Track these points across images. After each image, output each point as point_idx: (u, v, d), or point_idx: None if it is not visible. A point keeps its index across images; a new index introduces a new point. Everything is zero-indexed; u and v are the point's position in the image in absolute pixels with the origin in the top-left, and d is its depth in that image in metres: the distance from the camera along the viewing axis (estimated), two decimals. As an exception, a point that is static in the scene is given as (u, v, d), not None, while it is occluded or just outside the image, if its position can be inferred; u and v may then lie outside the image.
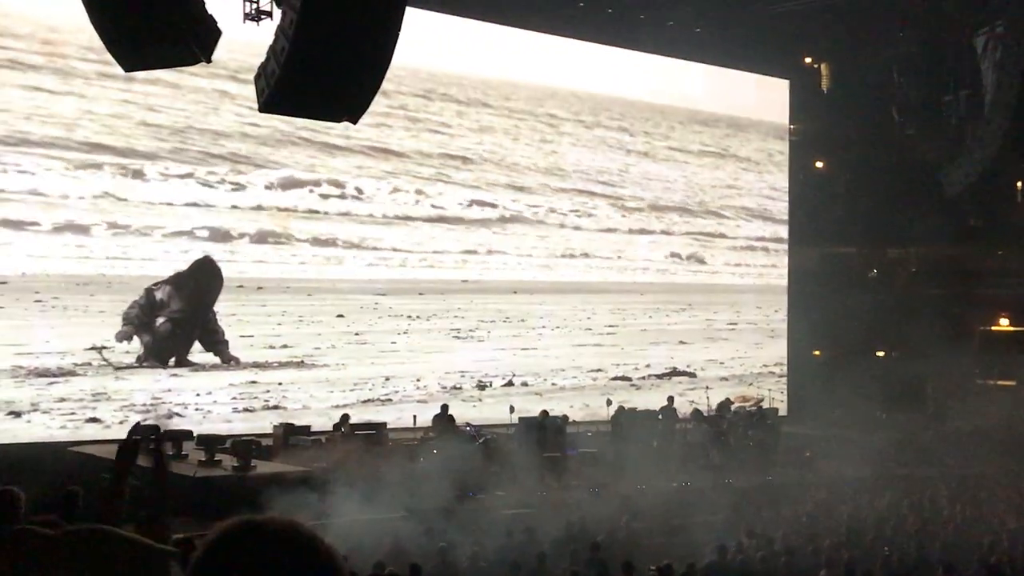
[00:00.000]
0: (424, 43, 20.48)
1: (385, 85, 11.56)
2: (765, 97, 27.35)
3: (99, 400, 17.78)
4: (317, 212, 20.50)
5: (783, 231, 27.68)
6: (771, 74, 27.11)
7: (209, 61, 11.91)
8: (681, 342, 25.22)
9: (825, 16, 24.09)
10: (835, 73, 27.80)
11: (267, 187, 19.94)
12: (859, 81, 26.78)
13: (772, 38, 24.69)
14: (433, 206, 21.96)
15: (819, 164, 29.19)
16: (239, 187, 19.60)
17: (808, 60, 27.66)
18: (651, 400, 22.08)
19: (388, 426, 18.44)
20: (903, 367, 25.87)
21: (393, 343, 21.23)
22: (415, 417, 18.53)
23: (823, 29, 24.99)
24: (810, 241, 28.22)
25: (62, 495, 7.70)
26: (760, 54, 25.32)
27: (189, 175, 19.10)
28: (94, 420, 17.67)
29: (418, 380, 21.19)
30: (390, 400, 20.65)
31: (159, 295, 18.53)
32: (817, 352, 27.59)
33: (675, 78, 25.58)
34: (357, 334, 20.83)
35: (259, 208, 19.87)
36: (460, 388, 21.66)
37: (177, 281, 18.71)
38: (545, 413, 18.92)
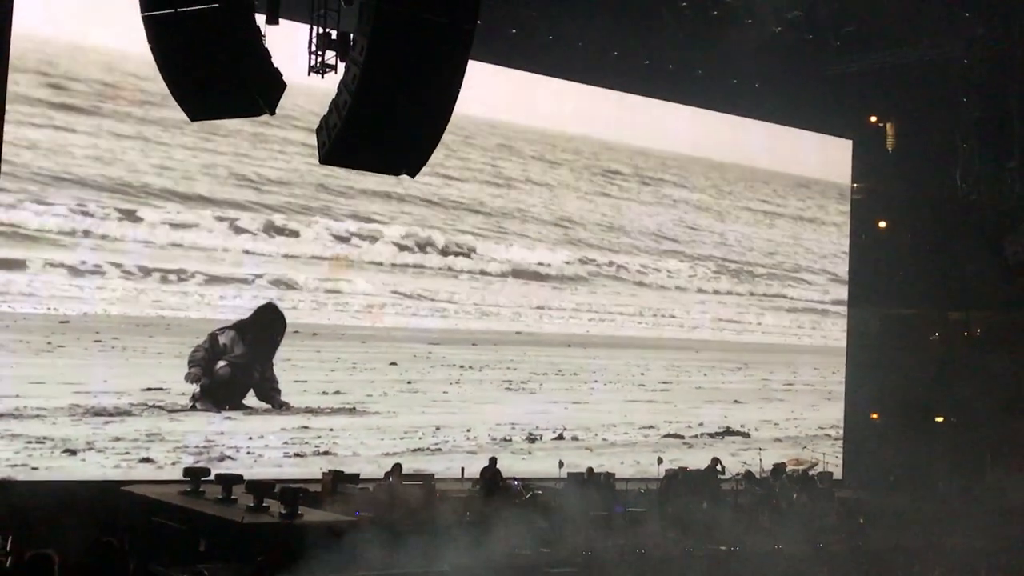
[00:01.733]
0: (485, 96, 20.70)
1: (443, 137, 11.66)
2: (827, 156, 27.21)
3: (153, 441, 17.98)
4: (374, 263, 20.65)
5: (843, 291, 27.40)
6: (834, 133, 26.97)
7: (273, 113, 12.03)
8: (736, 401, 24.97)
9: (890, 76, 23.97)
10: (900, 133, 27.58)
11: (324, 235, 20.14)
12: (923, 142, 26.53)
13: (836, 98, 24.61)
14: (489, 258, 22.02)
15: (881, 224, 28.86)
16: (296, 234, 19.82)
17: (873, 119, 27.46)
18: (703, 459, 21.83)
19: (436, 476, 18.42)
20: (962, 434, 25.39)
21: (445, 392, 21.26)
22: (463, 469, 18.49)
23: (889, 89, 24.86)
24: (870, 302, 27.86)
25: (99, 545, 7.64)
26: (823, 113, 25.23)
27: (248, 221, 19.35)
28: (147, 460, 17.86)
29: (468, 430, 21.17)
30: (440, 450, 20.65)
31: (223, 340, 18.78)
32: (875, 415, 27.16)
33: (736, 136, 25.53)
34: (409, 382, 20.90)
35: (316, 256, 20.06)
36: (510, 440, 21.60)
37: (241, 327, 18.98)
38: (591, 470, 18.79)
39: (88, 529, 14.61)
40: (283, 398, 19.39)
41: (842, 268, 27.41)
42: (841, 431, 26.50)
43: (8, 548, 11.05)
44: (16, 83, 17.32)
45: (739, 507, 19.49)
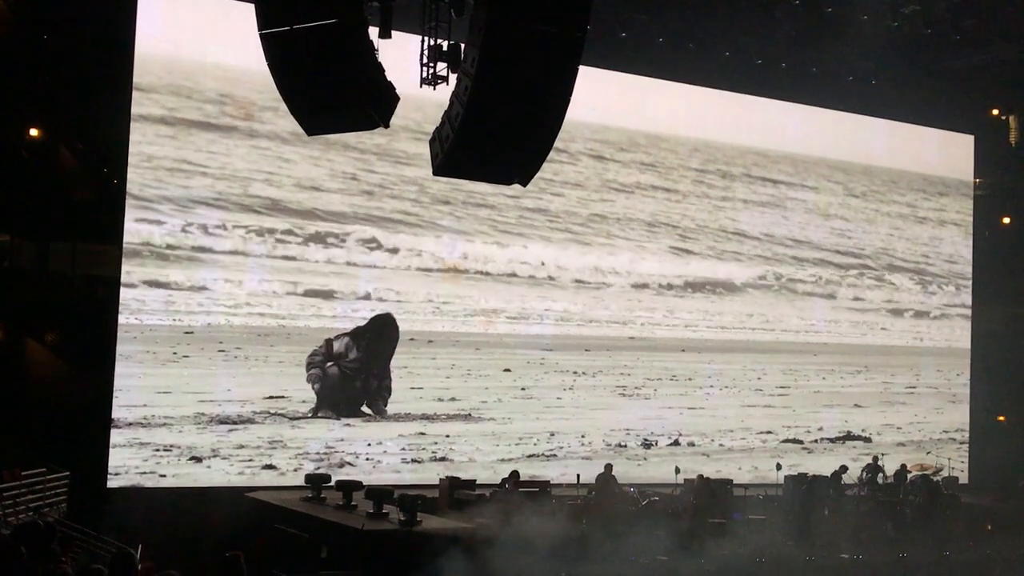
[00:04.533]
0: (596, 101, 20.72)
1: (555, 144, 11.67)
2: (949, 152, 26.50)
3: (275, 448, 18.37)
4: (485, 274, 20.76)
5: (967, 290, 26.64)
6: (955, 129, 26.26)
7: (387, 126, 12.22)
8: (856, 405, 24.46)
9: (1012, 69, 23.26)
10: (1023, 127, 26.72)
11: (438, 246, 20.34)
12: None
13: (956, 92, 23.98)
14: (598, 264, 21.96)
15: (1006, 221, 27.96)
16: (413, 247, 20.06)
17: (995, 113, 26.65)
18: (823, 465, 21.45)
19: (552, 483, 18.44)
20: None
21: (559, 399, 21.27)
22: (579, 476, 18.47)
23: (1010, 82, 24.11)
24: (995, 301, 27.02)
25: (223, 560, 7.75)
26: (943, 109, 24.62)
27: (364, 233, 19.65)
28: (270, 467, 18.25)
29: (583, 436, 21.14)
30: (555, 456, 20.67)
31: (337, 346, 19.14)
32: (1002, 418, 26.34)
33: (855, 134, 25.02)
34: (523, 388, 20.96)
35: (430, 267, 20.26)
36: (625, 446, 21.51)
37: (356, 334, 19.33)
38: (701, 477, 18.58)
39: (214, 535, 15.05)
40: (400, 405, 19.65)
41: (966, 266, 26.65)
42: (967, 435, 25.77)
43: (139, 557, 11.37)
44: (139, 103, 17.86)
45: (861, 514, 19.05)
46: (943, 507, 19.75)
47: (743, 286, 23.56)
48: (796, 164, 24.50)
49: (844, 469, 20.12)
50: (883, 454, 21.82)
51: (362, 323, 19.47)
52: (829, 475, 19.86)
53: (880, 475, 20.34)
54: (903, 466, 21.55)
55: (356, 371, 19.29)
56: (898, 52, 22.08)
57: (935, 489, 20.27)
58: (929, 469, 22.71)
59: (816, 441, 23.56)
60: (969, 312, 26.59)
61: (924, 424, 25.20)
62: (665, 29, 21.43)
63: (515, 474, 17.98)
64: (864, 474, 20.32)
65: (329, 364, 19.03)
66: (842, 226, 25.01)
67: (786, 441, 23.19)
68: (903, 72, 23.15)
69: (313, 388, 18.88)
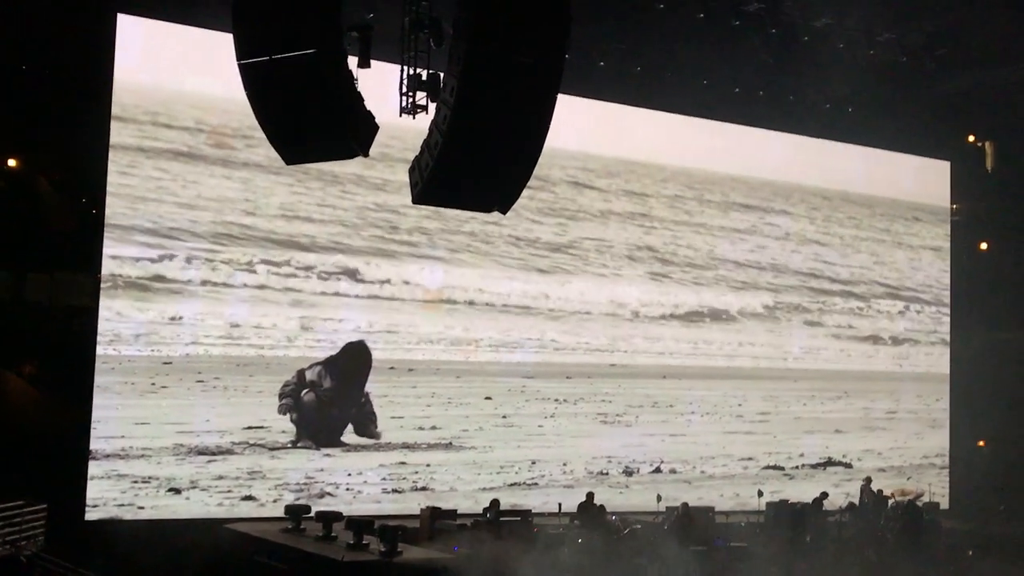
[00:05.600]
0: (575, 129, 20.79)
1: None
2: (925, 179, 26.69)
3: (254, 478, 18.25)
4: (466, 303, 20.74)
5: (945, 316, 26.77)
6: (931, 155, 26.47)
7: (367, 155, 12.23)
8: (837, 431, 24.50)
9: (987, 95, 23.48)
10: (999, 153, 26.93)
11: (418, 275, 20.31)
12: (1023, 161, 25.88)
13: (932, 119, 24.17)
14: (579, 292, 21.98)
15: (983, 246, 28.13)
16: (393, 276, 20.03)
17: (971, 139, 26.86)
18: (805, 491, 21.46)
19: (533, 511, 18.36)
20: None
21: (540, 426, 21.23)
22: (560, 504, 18.41)
23: (986, 108, 24.34)
24: (974, 326, 27.13)
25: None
26: (920, 135, 24.81)
27: (344, 261, 19.62)
28: (249, 498, 18.12)
29: (564, 464, 21.09)
30: (536, 484, 20.60)
31: (310, 375, 19.05)
32: (982, 443, 26.41)
33: (832, 161, 25.17)
34: (504, 416, 20.91)
35: (410, 296, 20.22)
36: (607, 474, 21.47)
37: (328, 363, 19.23)
38: (686, 505, 18.56)
39: (193, 568, 14.92)
40: (381, 434, 19.53)
41: (944, 292, 26.80)
42: (947, 460, 25.84)
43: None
44: (117, 133, 17.82)
45: (843, 540, 19.05)
46: (924, 533, 19.77)
47: (723, 313, 23.61)
48: (774, 191, 24.62)
49: (825, 495, 20.15)
50: (866, 480, 21.89)
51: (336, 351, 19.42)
52: (811, 502, 19.87)
53: (872, 497, 20.42)
54: (879, 491, 21.59)
55: (332, 399, 19.20)
56: (874, 79, 22.26)
57: (916, 515, 20.29)
58: (910, 494, 22.71)
59: (797, 467, 23.57)
60: (948, 337, 26.71)
61: (905, 449, 25.27)
62: (643, 58, 21.54)
63: (495, 502, 17.90)
64: (863, 498, 20.39)
65: (304, 391, 18.94)
66: (821, 252, 25.12)
67: (767, 467, 23.19)
68: (880, 99, 23.32)
69: (290, 418, 18.78)
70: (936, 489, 23.82)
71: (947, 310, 26.80)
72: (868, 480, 21.59)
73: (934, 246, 26.92)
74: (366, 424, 19.47)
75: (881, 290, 25.92)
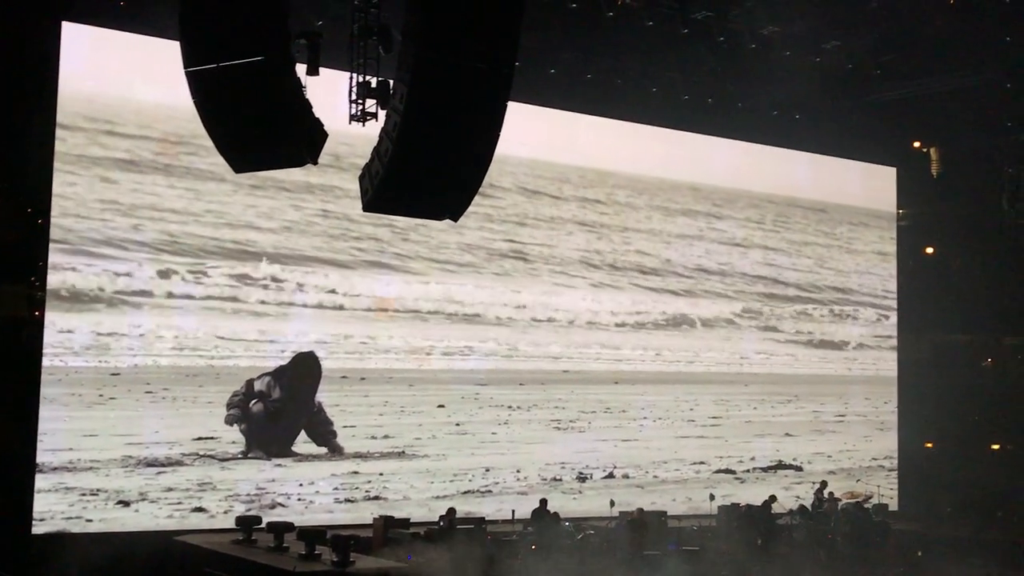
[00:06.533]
0: (525, 136, 20.82)
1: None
2: (872, 184, 27.03)
3: (205, 490, 18.06)
4: (417, 311, 20.70)
5: (893, 320, 27.11)
6: (878, 161, 26.82)
7: (316, 163, 12.20)
8: (787, 434, 24.71)
9: (933, 102, 23.82)
10: (944, 159, 27.31)
11: (369, 283, 20.24)
12: (968, 167, 26.27)
13: (878, 125, 24.47)
14: (531, 299, 22.01)
15: (929, 251, 28.53)
16: (343, 284, 19.93)
17: (917, 145, 27.22)
18: (756, 494, 21.59)
19: (487, 519, 18.35)
20: (1020, 461, 24.97)
21: (493, 433, 21.22)
22: (514, 512, 18.41)
23: (931, 115, 24.68)
24: (921, 330, 27.54)
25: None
26: (866, 141, 25.11)
27: (294, 270, 19.50)
28: (199, 510, 17.93)
29: (518, 471, 21.09)
30: (490, 492, 20.58)
31: (258, 386, 18.90)
32: (929, 444, 26.77)
33: (780, 167, 25.41)
34: (458, 424, 20.88)
35: (361, 305, 20.14)
36: (560, 480, 21.50)
37: (277, 373, 19.09)
38: (640, 511, 18.63)
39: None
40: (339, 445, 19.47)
41: (891, 296, 27.14)
42: (896, 462, 26.15)
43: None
44: (63, 142, 17.60)
45: (794, 543, 19.22)
46: (874, 534, 19.99)
47: (673, 318, 23.74)
48: (724, 197, 24.81)
49: (773, 498, 20.31)
50: (814, 483, 22.11)
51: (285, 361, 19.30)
52: (760, 505, 20.03)
53: (825, 503, 20.61)
54: (831, 494, 21.81)
55: (280, 410, 19.06)
56: (821, 86, 22.50)
57: (866, 516, 20.52)
58: (859, 496, 22.98)
59: (749, 471, 23.74)
60: (895, 341, 27.04)
61: (854, 452, 25.53)
62: (592, 65, 21.63)
63: (452, 511, 17.87)
64: (816, 502, 20.57)
65: (253, 402, 18.78)
66: (770, 257, 25.36)
67: (719, 471, 23.34)
68: (826, 106, 23.59)
69: (239, 429, 18.62)
70: (885, 491, 24.09)
71: (894, 314, 27.14)
72: (823, 484, 21.81)
73: (881, 251, 27.26)
74: (323, 434, 19.34)
75: (829, 295, 26.20)
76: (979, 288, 27.11)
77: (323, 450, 19.30)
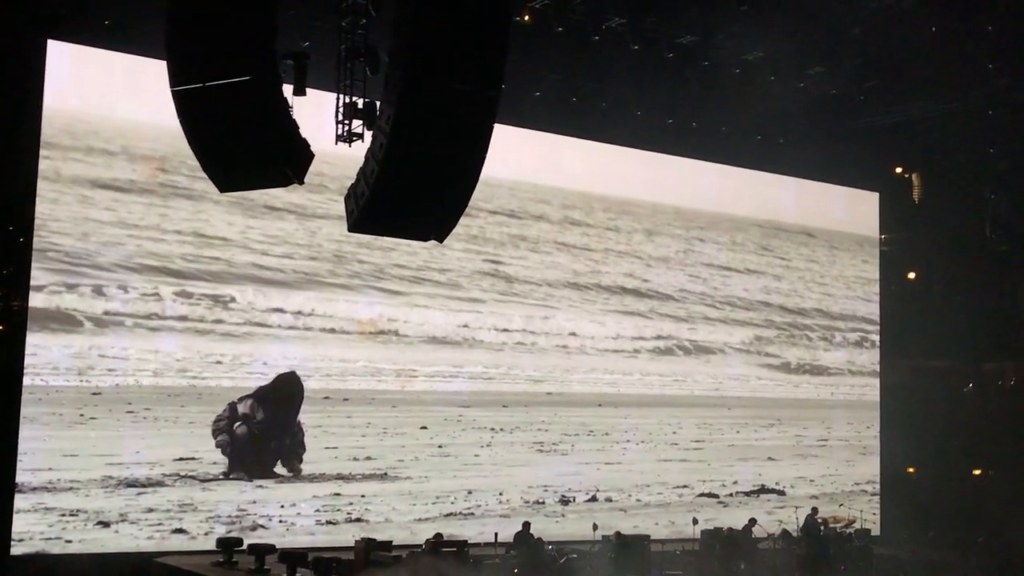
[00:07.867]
0: (511, 158, 20.87)
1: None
2: (854, 209, 27.16)
3: (185, 511, 17.94)
4: (400, 333, 20.66)
5: (875, 345, 27.18)
6: (860, 186, 26.96)
7: (301, 183, 12.17)
8: (770, 458, 24.72)
9: (915, 128, 23.99)
10: (926, 184, 27.49)
11: (353, 305, 20.20)
12: (950, 193, 26.44)
13: (861, 151, 24.61)
14: (512, 324, 22.00)
15: (911, 276, 28.66)
16: (327, 306, 19.90)
17: (899, 171, 27.38)
18: (739, 518, 21.55)
19: (470, 542, 18.24)
20: (1001, 486, 25.02)
21: (476, 456, 21.15)
22: (496, 535, 18.33)
23: (914, 141, 24.86)
24: (903, 355, 27.61)
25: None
26: (849, 167, 25.24)
27: (277, 291, 19.45)
28: (180, 531, 17.81)
29: (501, 494, 21.02)
30: (472, 514, 20.50)
31: (241, 408, 18.82)
32: (911, 469, 26.81)
33: (763, 192, 25.52)
34: (440, 446, 20.80)
35: (345, 327, 20.09)
36: (543, 503, 21.43)
37: (259, 395, 19.00)
38: (618, 534, 18.53)
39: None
40: (314, 465, 19.32)
41: (874, 321, 27.23)
42: (878, 486, 26.17)
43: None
44: (47, 160, 17.54)
45: (776, 567, 19.18)
46: (856, 559, 19.97)
47: (657, 341, 23.76)
48: (707, 221, 24.88)
49: (753, 522, 20.28)
50: (797, 507, 22.06)
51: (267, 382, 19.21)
52: (740, 529, 20.00)
53: (821, 528, 20.56)
54: (810, 515, 21.73)
55: (264, 432, 18.96)
56: (805, 112, 22.64)
57: (847, 541, 20.49)
58: (842, 521, 22.95)
59: (731, 495, 23.72)
60: (878, 366, 27.11)
61: (836, 476, 25.55)
62: (578, 88, 21.72)
63: (439, 535, 17.74)
64: (812, 526, 20.50)
65: (237, 424, 18.69)
66: (753, 282, 25.41)
67: (702, 495, 23.31)
68: (810, 131, 23.71)
69: (224, 452, 18.50)
70: (867, 515, 24.05)
71: (877, 339, 27.21)
72: (814, 511, 21.52)
73: (863, 276, 27.36)
74: (289, 457, 19.23)
75: (812, 319, 26.27)
76: (961, 313, 27.22)
77: (306, 471, 19.18)
